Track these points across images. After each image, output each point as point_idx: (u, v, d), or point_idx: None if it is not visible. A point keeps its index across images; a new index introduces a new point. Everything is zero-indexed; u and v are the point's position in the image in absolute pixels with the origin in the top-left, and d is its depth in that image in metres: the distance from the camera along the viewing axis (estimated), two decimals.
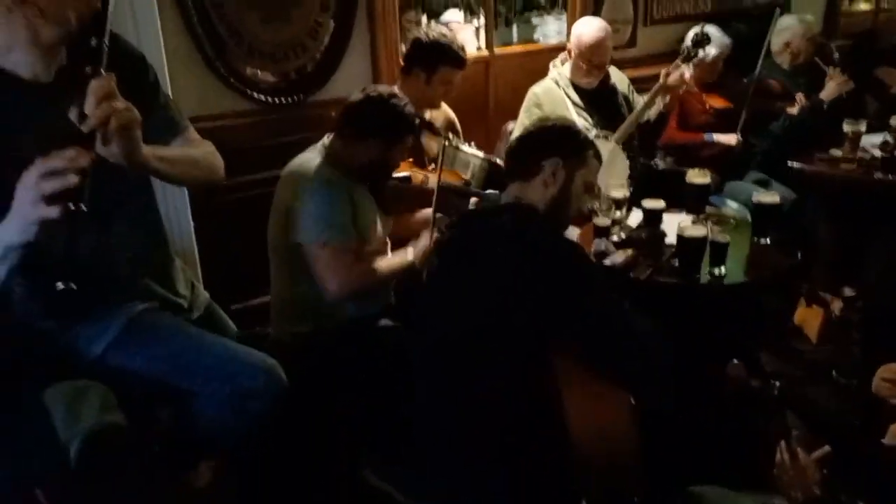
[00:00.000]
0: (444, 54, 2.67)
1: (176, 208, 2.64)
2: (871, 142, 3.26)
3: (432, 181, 2.41)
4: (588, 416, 1.62)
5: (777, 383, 1.44)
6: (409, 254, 2.25)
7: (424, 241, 2.26)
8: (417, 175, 2.46)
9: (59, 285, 1.13)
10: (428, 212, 2.38)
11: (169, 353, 1.55)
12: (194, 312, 1.77)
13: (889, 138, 3.12)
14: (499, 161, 2.72)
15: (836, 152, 3.28)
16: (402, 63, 2.83)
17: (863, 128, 3.23)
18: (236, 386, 1.54)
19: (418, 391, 1.76)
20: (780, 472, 1.41)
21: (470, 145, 2.66)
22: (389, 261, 2.26)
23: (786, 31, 3.72)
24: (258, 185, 2.70)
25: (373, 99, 2.18)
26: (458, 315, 1.66)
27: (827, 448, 1.41)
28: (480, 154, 2.64)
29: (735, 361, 1.48)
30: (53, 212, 1.13)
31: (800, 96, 3.54)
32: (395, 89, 2.27)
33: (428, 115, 2.84)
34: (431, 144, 2.74)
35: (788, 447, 1.39)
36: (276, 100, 2.99)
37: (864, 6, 5.81)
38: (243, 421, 1.56)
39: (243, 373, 1.57)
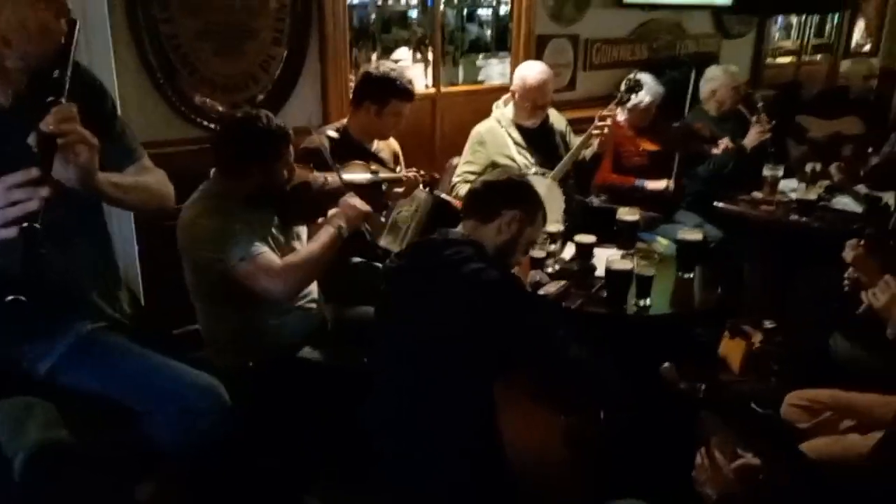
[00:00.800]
0: (394, 87, 2.76)
1: (121, 231, 2.66)
2: (789, 186, 3.50)
3: (332, 180, 2.39)
4: (522, 433, 1.74)
5: (703, 386, 1.55)
6: (332, 225, 2.22)
7: (346, 204, 2.25)
8: (317, 179, 2.40)
9: (9, 297, 1.17)
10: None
11: (118, 372, 1.59)
12: (139, 334, 1.80)
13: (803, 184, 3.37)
14: (443, 196, 2.83)
15: (757, 195, 3.50)
16: (351, 96, 2.90)
17: (780, 172, 3.46)
18: (183, 405, 1.59)
19: (376, 407, 1.84)
20: (698, 473, 1.51)
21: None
22: (316, 240, 2.22)
23: (712, 80, 3.95)
24: None
25: (236, 125, 2.17)
26: (409, 341, 1.76)
27: (747, 459, 1.51)
28: (442, 195, 2.74)
29: (667, 364, 1.59)
30: (11, 232, 1.19)
31: (724, 140, 3.76)
32: (257, 111, 2.22)
33: (374, 145, 2.93)
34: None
35: (707, 449, 1.49)
36: None
37: (787, 59, 6.21)
38: (189, 439, 1.60)
39: (190, 392, 1.62)
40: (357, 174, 2.52)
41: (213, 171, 2.26)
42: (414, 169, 2.70)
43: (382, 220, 2.72)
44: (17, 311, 1.17)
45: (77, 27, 1.46)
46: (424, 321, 1.73)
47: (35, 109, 1.33)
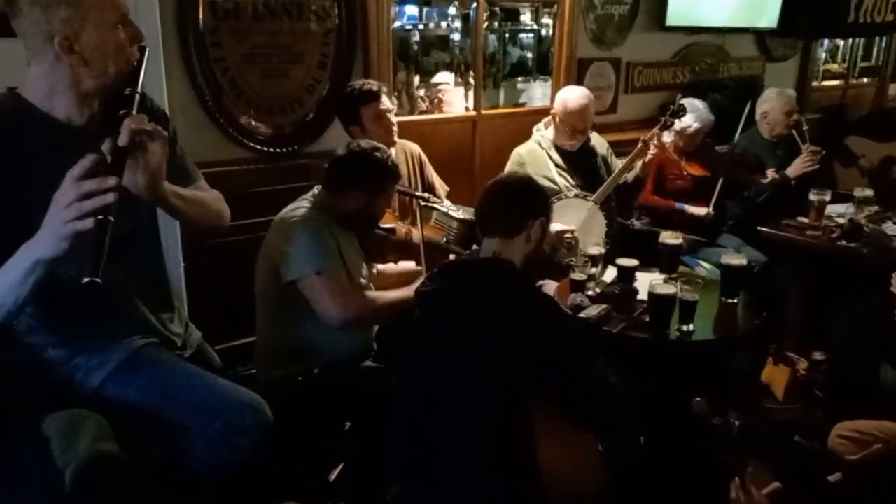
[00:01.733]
0: (354, 97, 2.77)
1: (167, 247, 2.72)
2: (836, 211, 3.43)
3: (415, 236, 2.53)
4: (560, 460, 1.72)
5: (737, 421, 1.52)
6: (411, 289, 2.26)
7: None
8: (401, 228, 2.56)
9: (86, 279, 1.21)
10: (409, 264, 2.49)
11: (164, 387, 1.62)
12: (187, 350, 1.85)
13: (853, 209, 3.29)
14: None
15: (803, 220, 3.43)
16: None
17: (827, 197, 3.39)
18: (226, 421, 1.61)
19: (401, 431, 1.84)
20: None
21: (444, 204, 2.78)
22: (392, 293, 2.30)
23: (765, 102, 3.89)
24: (249, 230, 2.78)
25: (356, 153, 2.29)
26: (441, 365, 1.75)
27: (777, 484, 1.49)
28: (458, 215, 2.74)
29: (698, 399, 1.57)
30: (88, 223, 1.23)
31: (772, 171, 3.70)
32: (378, 144, 2.34)
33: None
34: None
35: (742, 483, 1.47)
36: (272, 149, 3.12)
37: (833, 82, 6.12)
38: (232, 455, 1.62)
39: (233, 409, 1.64)
40: (434, 237, 2.65)
41: (317, 186, 2.37)
42: None
43: None
44: (92, 291, 1.20)
45: (146, 53, 1.55)
46: (454, 339, 1.72)
47: (108, 125, 1.42)
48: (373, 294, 2.29)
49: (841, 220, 3.32)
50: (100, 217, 1.24)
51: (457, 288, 1.81)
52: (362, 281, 2.33)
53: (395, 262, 2.47)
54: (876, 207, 3.43)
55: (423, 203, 2.74)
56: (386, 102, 2.80)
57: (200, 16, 2.83)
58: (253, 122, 3.08)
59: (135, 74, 1.51)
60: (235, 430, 1.62)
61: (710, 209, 3.58)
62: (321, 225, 2.22)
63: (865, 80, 6.57)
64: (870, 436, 2.07)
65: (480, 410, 1.69)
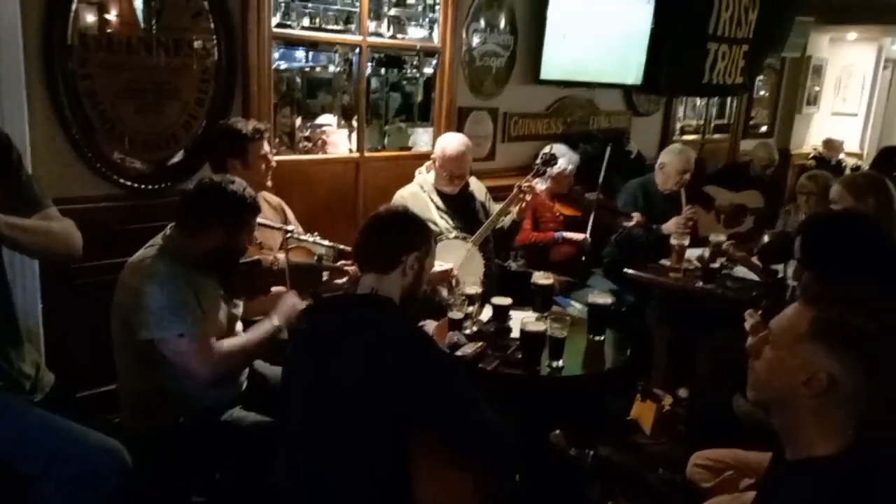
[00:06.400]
0: (242, 134, 2.71)
1: (24, 287, 2.56)
2: (694, 254, 3.69)
3: (282, 261, 2.43)
4: (436, 496, 1.73)
5: (591, 452, 1.58)
6: (273, 319, 2.23)
7: (286, 304, 2.27)
8: (267, 257, 2.45)
9: None
10: (281, 289, 2.40)
11: (11, 434, 1.52)
12: (37, 394, 1.74)
13: (706, 252, 3.56)
14: (343, 248, 2.82)
15: (665, 262, 3.67)
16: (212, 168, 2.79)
17: (686, 241, 3.65)
18: (82, 467, 1.53)
19: (282, 471, 1.80)
20: None
21: (313, 235, 2.73)
22: (253, 331, 2.22)
23: (667, 154, 4.08)
24: (116, 269, 2.67)
25: (211, 187, 2.15)
26: (318, 404, 1.73)
27: None
28: (325, 242, 2.70)
29: (557, 431, 1.63)
30: None
31: (637, 215, 3.93)
32: (233, 178, 2.21)
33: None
34: (266, 236, 2.79)
35: None
36: (145, 186, 3.02)
37: (692, 137, 6.64)
38: (90, 502, 1.53)
39: (89, 454, 1.57)
40: (303, 259, 2.57)
41: (170, 226, 2.20)
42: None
43: None
44: None
45: None
46: (331, 377, 1.70)
47: None
48: (236, 343, 2.18)
49: (698, 264, 3.57)
50: None
51: (333, 326, 1.79)
52: (221, 323, 2.22)
53: (266, 293, 2.39)
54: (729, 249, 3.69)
55: (288, 236, 2.70)
56: (267, 145, 2.80)
57: (69, 47, 2.72)
58: (125, 158, 2.97)
59: None
60: (92, 475, 1.54)
61: (588, 236, 3.79)
62: (175, 277, 2.06)
63: (718, 136, 7.15)
64: (723, 463, 2.20)
65: (358, 449, 1.67)
